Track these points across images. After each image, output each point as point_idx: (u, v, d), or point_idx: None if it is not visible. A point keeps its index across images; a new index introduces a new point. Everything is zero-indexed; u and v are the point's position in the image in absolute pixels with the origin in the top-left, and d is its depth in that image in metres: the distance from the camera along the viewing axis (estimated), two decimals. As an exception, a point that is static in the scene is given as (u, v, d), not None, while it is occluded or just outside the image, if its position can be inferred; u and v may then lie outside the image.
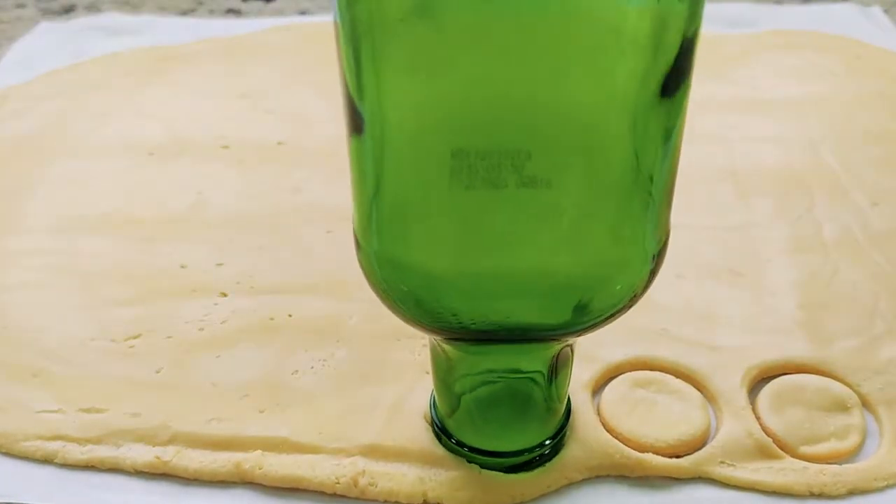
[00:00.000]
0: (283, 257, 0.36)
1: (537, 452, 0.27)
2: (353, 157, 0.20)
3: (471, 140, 0.18)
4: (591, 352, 0.31)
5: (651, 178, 0.19)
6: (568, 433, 0.27)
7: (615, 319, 0.22)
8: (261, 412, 0.29)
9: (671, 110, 0.19)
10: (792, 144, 0.43)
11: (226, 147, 0.44)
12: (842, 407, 0.29)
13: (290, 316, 0.33)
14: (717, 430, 0.28)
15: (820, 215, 0.38)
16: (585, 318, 0.21)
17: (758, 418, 0.29)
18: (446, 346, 0.24)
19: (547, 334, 0.22)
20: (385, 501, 0.27)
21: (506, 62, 0.17)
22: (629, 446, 0.28)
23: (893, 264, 0.35)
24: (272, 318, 0.33)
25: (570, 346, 0.25)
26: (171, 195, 0.40)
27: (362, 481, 0.27)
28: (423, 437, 0.28)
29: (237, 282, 0.35)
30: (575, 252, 0.20)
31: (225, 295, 0.34)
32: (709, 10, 0.62)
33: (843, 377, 0.30)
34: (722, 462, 0.27)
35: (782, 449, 0.28)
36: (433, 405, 0.27)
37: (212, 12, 0.62)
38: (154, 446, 0.28)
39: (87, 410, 0.29)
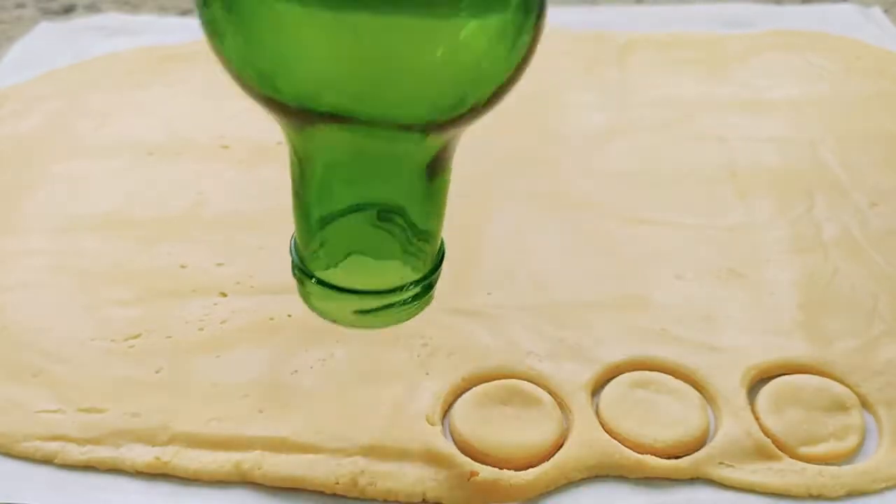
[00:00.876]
0: (283, 257, 0.36)
1: (410, 292, 0.24)
2: None
3: None
4: (590, 352, 0.31)
5: None
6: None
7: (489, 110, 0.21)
8: (260, 412, 0.29)
9: None
10: (792, 145, 0.43)
11: (226, 147, 0.44)
12: (841, 407, 0.29)
13: (289, 316, 0.33)
14: (716, 430, 0.28)
15: (819, 215, 0.38)
16: (462, 107, 0.20)
17: (757, 419, 0.29)
18: (300, 149, 0.22)
19: (423, 119, 0.21)
20: (384, 501, 0.27)
21: None
22: (628, 447, 0.28)
23: (893, 265, 0.35)
24: (272, 318, 0.33)
25: (432, 166, 0.23)
26: (171, 195, 0.40)
27: (362, 481, 0.27)
28: (422, 436, 0.28)
29: (237, 282, 0.35)
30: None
31: (225, 295, 0.34)
32: (709, 11, 0.63)
33: (843, 377, 0.30)
34: (721, 463, 0.27)
35: (781, 449, 0.28)
36: (294, 247, 0.25)
37: (212, 12, 0.62)
38: (154, 446, 0.28)
39: (87, 410, 0.29)
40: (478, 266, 0.35)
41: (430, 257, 0.25)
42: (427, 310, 0.33)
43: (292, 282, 0.35)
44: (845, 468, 0.27)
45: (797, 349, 0.31)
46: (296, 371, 0.31)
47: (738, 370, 0.30)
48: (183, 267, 0.36)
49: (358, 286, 0.24)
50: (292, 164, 0.23)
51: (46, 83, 0.50)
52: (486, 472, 0.27)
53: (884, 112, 0.45)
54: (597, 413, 0.29)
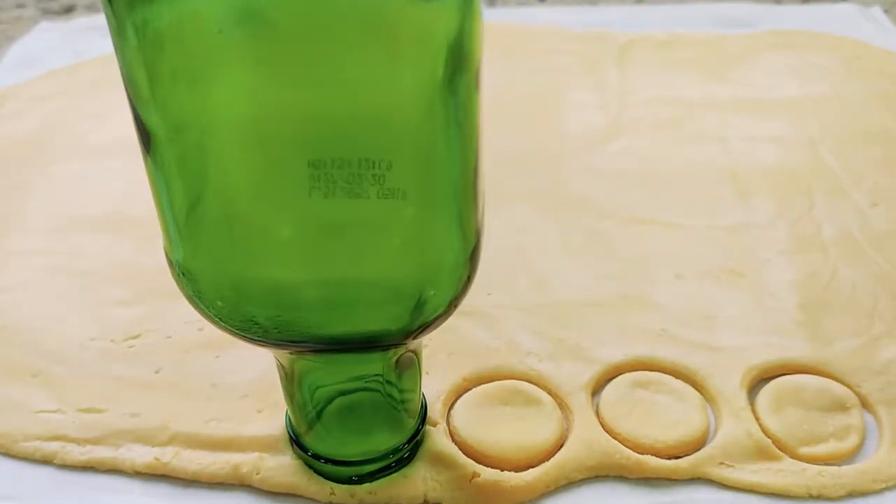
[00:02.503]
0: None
1: (392, 458, 0.27)
2: (159, 170, 0.20)
3: (327, 150, 0.18)
4: (590, 352, 0.31)
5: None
6: (421, 440, 0.28)
7: (444, 320, 0.23)
8: (259, 412, 0.29)
9: (457, 103, 0.19)
10: (792, 145, 0.43)
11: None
12: (841, 407, 0.29)
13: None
14: (716, 430, 0.28)
15: (819, 216, 0.38)
16: (420, 319, 0.22)
17: (757, 419, 0.29)
18: (285, 362, 0.24)
19: (386, 340, 0.22)
20: (386, 503, 0.27)
21: (320, 71, 0.17)
22: (628, 447, 0.28)
23: (893, 265, 0.35)
24: (272, 319, 0.33)
25: (413, 351, 0.25)
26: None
27: (359, 491, 0.27)
28: (423, 437, 0.28)
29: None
30: (416, 257, 0.20)
31: (224, 295, 0.34)
32: (709, 10, 0.62)
33: (843, 378, 0.30)
34: (721, 463, 0.27)
35: (781, 450, 0.28)
36: (288, 422, 0.27)
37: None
38: (153, 447, 0.28)
39: (87, 410, 0.29)
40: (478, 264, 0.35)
41: (413, 416, 0.27)
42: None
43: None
44: (845, 468, 0.27)
45: (797, 349, 0.31)
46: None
47: (739, 370, 0.30)
48: (183, 267, 0.35)
49: (351, 457, 0.26)
50: (278, 366, 0.25)
51: (46, 83, 0.50)
52: (486, 473, 0.27)
53: (884, 112, 0.45)
54: (597, 413, 0.29)
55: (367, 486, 0.27)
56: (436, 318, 0.22)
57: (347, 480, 0.27)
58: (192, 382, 0.30)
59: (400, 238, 0.20)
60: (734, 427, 0.28)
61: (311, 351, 0.23)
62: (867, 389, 0.30)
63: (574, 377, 0.30)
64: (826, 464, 0.27)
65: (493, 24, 0.55)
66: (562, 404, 0.29)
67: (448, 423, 0.29)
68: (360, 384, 0.25)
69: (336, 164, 0.18)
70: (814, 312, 0.33)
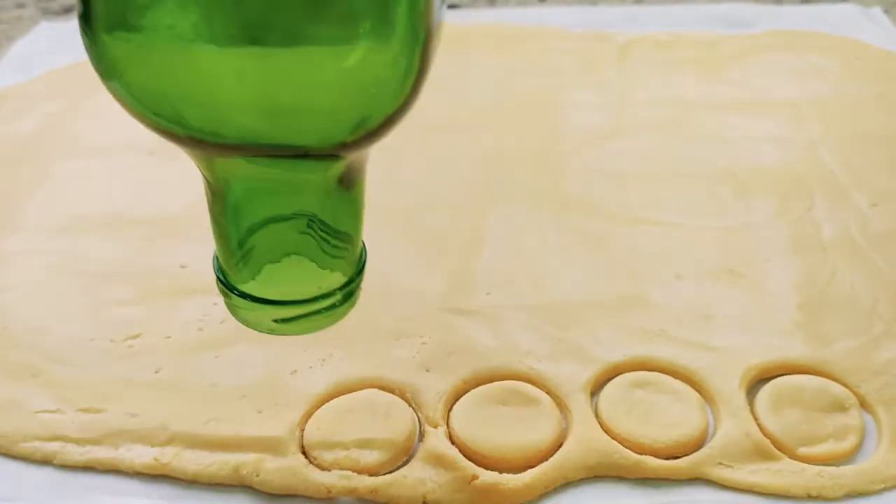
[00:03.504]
0: (283, 257, 0.36)
1: (321, 304, 0.25)
2: None
3: None
4: (589, 352, 0.31)
5: None
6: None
7: (385, 134, 0.22)
8: (259, 412, 0.29)
9: None
10: (791, 145, 0.43)
11: (226, 147, 0.44)
12: (840, 408, 0.29)
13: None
14: (715, 430, 0.28)
15: (819, 216, 0.38)
16: (358, 133, 0.21)
17: (756, 419, 0.29)
18: (214, 183, 0.24)
19: (319, 149, 0.22)
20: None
21: None
22: (627, 447, 0.28)
23: (892, 265, 0.35)
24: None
25: (349, 185, 0.24)
26: (171, 195, 0.40)
27: (359, 489, 0.27)
28: (423, 438, 0.28)
29: (236, 282, 0.35)
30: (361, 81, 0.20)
31: (224, 295, 0.34)
32: (709, 11, 0.63)
33: (842, 378, 0.30)
34: (720, 463, 0.27)
35: (780, 450, 0.28)
36: (216, 263, 0.26)
37: (212, 12, 0.62)
38: (153, 447, 0.28)
39: (86, 410, 0.29)
40: (477, 266, 0.35)
41: (350, 263, 0.25)
42: (426, 309, 0.33)
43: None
44: (844, 469, 0.27)
45: (796, 349, 0.31)
46: (294, 371, 0.31)
47: (738, 370, 0.30)
48: (183, 267, 0.36)
49: (279, 296, 0.24)
50: (206, 187, 0.24)
51: (46, 83, 0.50)
52: (485, 475, 0.27)
53: (883, 112, 0.45)
54: (596, 413, 0.29)
55: (367, 484, 0.26)
56: (374, 133, 0.22)
57: (271, 325, 0.25)
58: (192, 382, 0.30)
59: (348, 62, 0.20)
60: (733, 427, 0.28)
61: (241, 155, 0.22)
62: (866, 390, 0.30)
63: (573, 377, 0.30)
64: (825, 464, 0.27)
65: (492, 25, 0.55)
66: (561, 404, 0.29)
67: (447, 425, 0.29)
68: (291, 213, 0.24)
69: None
70: (813, 313, 0.33)
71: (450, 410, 0.29)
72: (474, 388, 0.30)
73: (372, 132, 0.22)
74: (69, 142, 0.44)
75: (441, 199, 0.40)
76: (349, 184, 0.24)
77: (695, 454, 0.28)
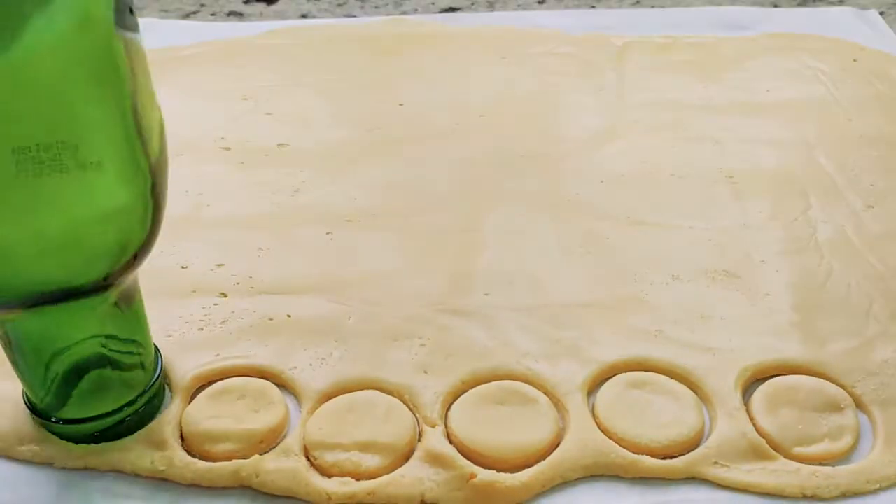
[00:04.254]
0: (283, 258, 0.36)
1: (127, 412, 0.28)
2: None
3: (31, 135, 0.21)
4: (586, 352, 0.31)
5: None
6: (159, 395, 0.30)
7: (137, 266, 0.26)
8: (256, 413, 0.29)
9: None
10: (788, 147, 0.43)
11: (226, 149, 0.44)
12: (835, 408, 0.29)
13: (288, 316, 0.33)
14: (710, 430, 0.29)
15: (815, 217, 0.38)
16: (111, 265, 0.25)
17: (751, 419, 0.29)
18: (9, 328, 0.26)
19: (86, 287, 0.25)
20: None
21: None
22: (624, 447, 0.28)
23: (887, 266, 0.35)
24: (271, 319, 0.33)
25: (125, 302, 0.27)
26: (172, 196, 0.40)
27: (358, 493, 0.27)
28: (421, 437, 0.28)
29: (237, 282, 0.35)
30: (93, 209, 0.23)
31: (225, 295, 0.34)
32: (706, 13, 0.63)
33: (837, 378, 0.30)
34: (715, 463, 0.27)
35: (776, 450, 0.28)
36: (25, 396, 0.28)
37: (214, 15, 0.62)
38: (152, 448, 0.28)
39: (88, 410, 0.29)
40: (475, 267, 0.36)
41: (148, 368, 0.29)
42: (424, 310, 0.33)
43: (292, 282, 0.35)
44: (839, 468, 0.27)
45: (792, 350, 0.31)
46: (294, 367, 0.31)
47: (733, 371, 0.30)
48: (183, 267, 0.36)
49: (94, 412, 0.28)
50: (8, 345, 0.26)
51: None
52: (483, 474, 0.27)
53: (879, 114, 0.45)
54: (592, 413, 0.29)
55: (365, 486, 0.27)
56: (128, 265, 0.25)
57: (90, 439, 0.28)
58: (192, 383, 0.31)
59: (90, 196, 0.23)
60: (729, 427, 0.28)
61: (21, 307, 0.24)
62: (861, 390, 0.30)
63: (570, 377, 0.30)
64: (820, 464, 0.28)
65: (491, 27, 0.56)
66: (558, 404, 0.30)
67: (445, 425, 0.29)
68: (80, 340, 0.26)
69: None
70: (808, 313, 0.33)
71: (448, 410, 0.29)
72: (472, 388, 0.30)
73: (127, 266, 0.25)
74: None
75: (439, 201, 0.40)
76: (126, 303, 0.27)
77: (691, 454, 0.28)
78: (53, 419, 0.28)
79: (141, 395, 0.28)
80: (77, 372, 0.27)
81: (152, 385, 0.29)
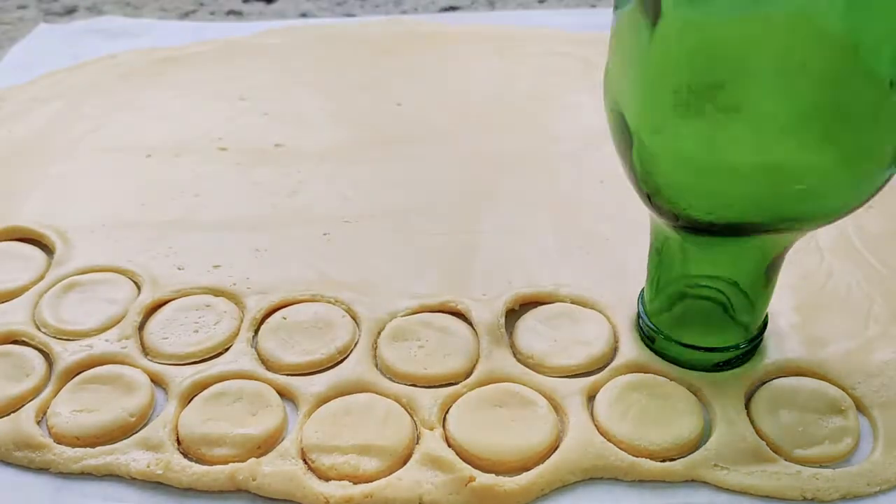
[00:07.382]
0: (280, 259, 0.36)
1: (738, 351, 0.30)
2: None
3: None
4: (586, 353, 0.31)
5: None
6: (764, 340, 0.31)
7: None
8: (253, 416, 0.29)
9: None
10: (789, 147, 0.43)
11: (224, 149, 0.44)
12: (836, 410, 0.29)
13: (284, 318, 0.33)
14: (710, 432, 0.28)
15: (816, 218, 0.38)
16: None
17: (752, 421, 0.29)
18: (681, 244, 0.28)
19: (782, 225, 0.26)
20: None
21: None
22: (623, 449, 0.28)
23: (888, 267, 0.35)
24: (268, 320, 0.33)
25: (777, 265, 0.28)
26: (169, 196, 0.40)
27: (356, 496, 0.27)
28: (420, 440, 0.28)
29: (233, 283, 0.35)
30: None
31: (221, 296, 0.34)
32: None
33: (838, 380, 0.30)
34: (715, 465, 0.27)
35: (776, 452, 0.28)
36: (641, 305, 0.31)
37: (213, 14, 0.62)
38: (150, 450, 0.28)
39: (82, 411, 0.29)
40: (474, 266, 0.35)
41: (754, 326, 0.30)
42: (422, 311, 0.33)
43: (287, 283, 0.35)
44: (840, 471, 0.27)
45: (792, 351, 0.31)
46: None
47: (733, 372, 0.30)
48: (180, 269, 0.36)
49: (699, 344, 0.30)
50: (667, 256, 0.29)
51: (45, 85, 0.50)
52: (482, 477, 0.27)
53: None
54: (592, 416, 0.29)
55: (363, 490, 0.27)
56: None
57: (713, 367, 0.30)
58: (189, 384, 0.30)
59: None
60: (728, 429, 0.28)
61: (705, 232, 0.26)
62: (862, 392, 0.30)
63: (569, 380, 0.30)
64: (820, 466, 0.28)
65: (491, 27, 0.55)
66: (557, 407, 0.29)
67: (444, 428, 0.29)
68: (723, 286, 0.28)
69: None
70: (809, 314, 0.33)
71: (446, 413, 0.29)
72: (471, 390, 0.30)
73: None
74: (67, 143, 0.44)
75: (438, 201, 0.40)
76: (772, 272, 0.28)
77: (690, 456, 0.28)
78: (663, 335, 0.30)
79: (750, 340, 0.30)
80: (698, 306, 0.29)
81: (753, 342, 0.30)
